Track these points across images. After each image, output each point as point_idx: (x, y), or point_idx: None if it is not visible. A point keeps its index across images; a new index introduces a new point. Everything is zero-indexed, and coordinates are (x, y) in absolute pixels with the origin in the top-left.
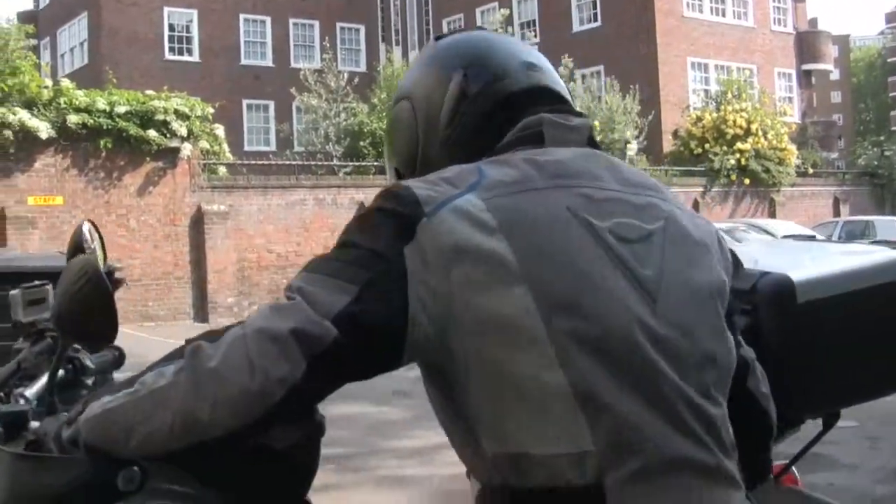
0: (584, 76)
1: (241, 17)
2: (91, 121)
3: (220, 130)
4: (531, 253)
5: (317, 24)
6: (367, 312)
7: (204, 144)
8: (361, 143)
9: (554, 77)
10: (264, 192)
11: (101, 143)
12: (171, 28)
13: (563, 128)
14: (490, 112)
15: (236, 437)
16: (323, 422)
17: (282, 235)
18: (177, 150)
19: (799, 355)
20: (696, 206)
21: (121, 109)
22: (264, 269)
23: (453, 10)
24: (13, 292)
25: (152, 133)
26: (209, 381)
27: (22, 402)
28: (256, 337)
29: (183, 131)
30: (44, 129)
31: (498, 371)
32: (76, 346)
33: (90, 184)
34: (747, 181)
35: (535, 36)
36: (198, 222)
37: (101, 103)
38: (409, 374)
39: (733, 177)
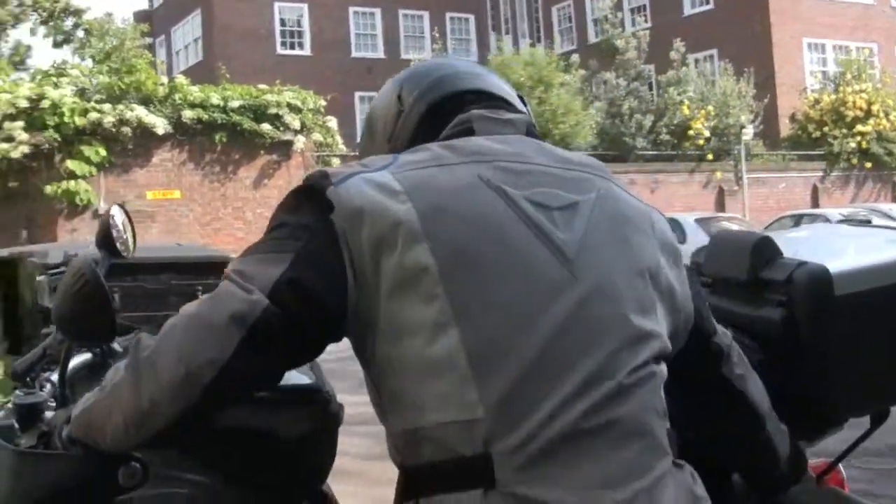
0: (696, 60)
1: (351, 9)
2: (206, 116)
3: (332, 123)
4: (434, 212)
5: (426, 14)
6: (304, 278)
7: (317, 137)
8: None
9: (492, 81)
10: None
11: (216, 137)
12: (283, 23)
13: (495, 122)
14: (422, 120)
15: (183, 423)
16: (340, 412)
17: None
18: (290, 143)
19: (837, 350)
20: (815, 191)
21: (234, 104)
22: None
23: None
24: (39, 278)
25: (266, 126)
26: (144, 372)
27: (48, 386)
28: (187, 324)
29: (296, 124)
30: (160, 125)
31: (398, 335)
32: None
33: (206, 177)
34: (868, 165)
35: (646, 20)
36: None
37: (216, 98)
38: None
39: (854, 160)
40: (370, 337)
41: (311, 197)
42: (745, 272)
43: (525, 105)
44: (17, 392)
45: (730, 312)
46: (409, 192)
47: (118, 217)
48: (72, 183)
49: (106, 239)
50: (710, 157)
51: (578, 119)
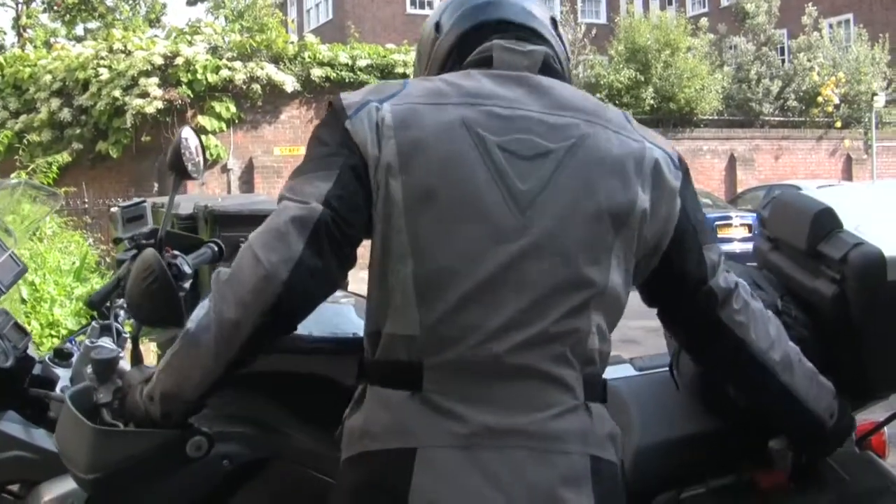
0: (830, 25)
1: None
2: (334, 74)
3: None
4: (411, 151)
5: None
6: (348, 189)
7: None
8: (599, 96)
9: (520, 8)
10: None
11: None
12: None
13: (514, 52)
14: (451, 49)
15: (267, 328)
16: None
17: None
18: None
19: (884, 332)
20: None
21: (362, 63)
22: None
23: None
24: (114, 209)
25: None
26: (228, 287)
27: (122, 314)
28: (258, 238)
29: None
30: (289, 83)
31: (381, 254)
32: (174, 252)
33: None
34: None
35: None
36: None
37: (344, 57)
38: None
39: None
40: (371, 249)
41: (338, 122)
42: (803, 242)
43: (556, 29)
44: (94, 324)
45: (787, 276)
46: (397, 127)
47: (191, 140)
48: (202, 138)
49: (177, 160)
50: (838, 124)
51: (704, 83)
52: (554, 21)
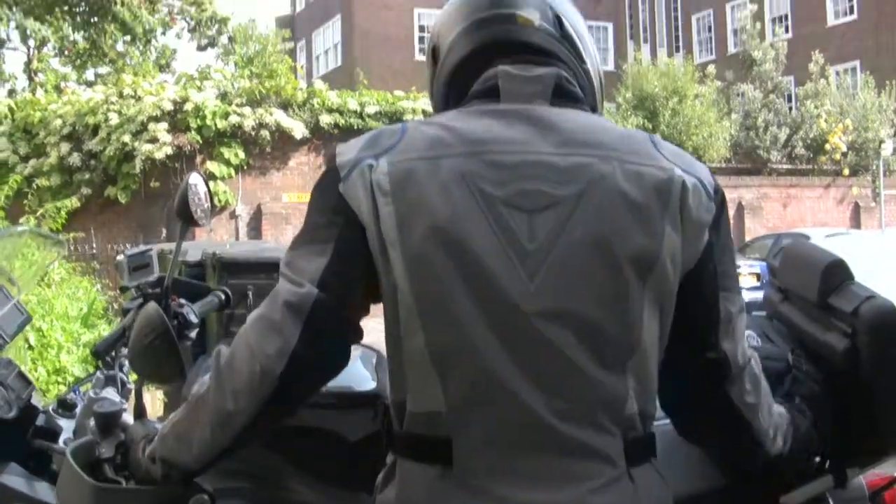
0: (837, 72)
1: None
2: (342, 121)
3: None
4: (409, 217)
5: None
6: (344, 266)
7: None
8: None
9: (519, 29)
10: None
11: None
12: (422, 29)
13: (521, 80)
14: (449, 81)
15: (264, 417)
16: None
17: None
18: None
19: (895, 389)
20: None
21: (371, 110)
22: None
23: (702, 6)
24: (119, 258)
25: None
26: (225, 376)
27: (127, 364)
28: (254, 325)
29: None
30: (298, 129)
31: (389, 327)
32: (181, 300)
33: None
34: None
35: (787, 31)
36: None
37: (353, 104)
38: None
39: None
40: (384, 317)
41: (332, 183)
42: (814, 293)
43: (562, 29)
44: (99, 375)
45: (798, 328)
46: (394, 191)
47: (199, 186)
48: (210, 184)
49: (184, 207)
50: (846, 172)
51: (712, 131)
52: (559, 20)
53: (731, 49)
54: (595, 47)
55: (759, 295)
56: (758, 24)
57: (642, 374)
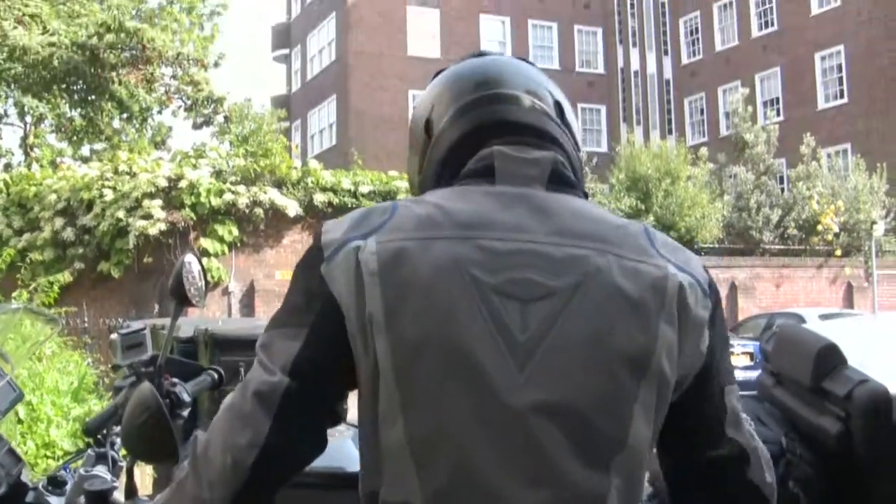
0: (828, 155)
1: None
2: (336, 200)
3: None
4: (399, 300)
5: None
6: (318, 352)
7: None
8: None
9: (515, 110)
10: None
11: None
12: None
13: (518, 161)
14: (444, 160)
15: None
16: None
17: None
18: None
19: (889, 472)
20: None
21: (364, 189)
22: None
23: (694, 90)
24: (113, 336)
25: None
26: (201, 465)
27: (118, 442)
28: (225, 414)
29: None
30: (292, 208)
31: (366, 415)
32: (173, 379)
33: None
34: None
35: (778, 114)
36: None
37: (347, 183)
38: None
39: None
40: (359, 405)
41: (314, 264)
42: (807, 377)
43: (563, 116)
44: (90, 452)
45: (791, 412)
46: (382, 272)
47: (193, 265)
48: (204, 260)
49: (179, 286)
50: (838, 252)
51: (705, 212)
52: (559, 107)
53: (724, 131)
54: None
55: (752, 374)
56: (749, 108)
57: (628, 473)
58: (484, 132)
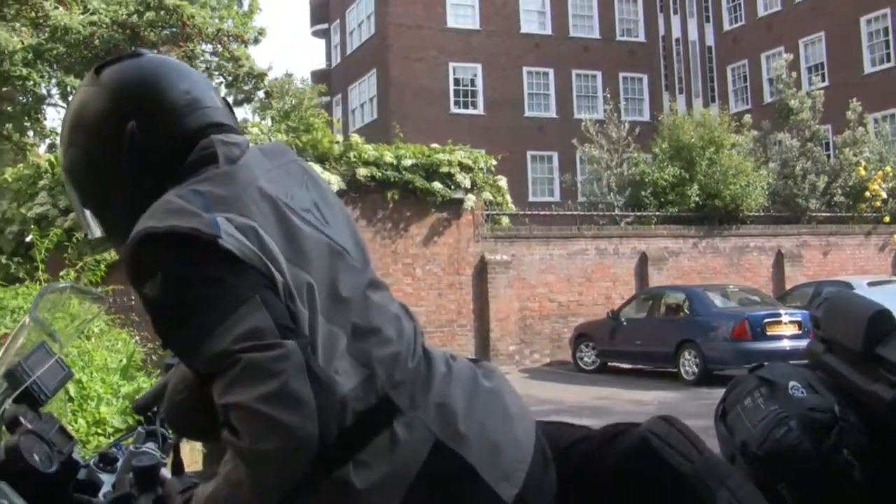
0: (875, 120)
1: (525, 69)
2: (379, 174)
3: (502, 181)
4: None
5: (599, 74)
6: (276, 305)
7: (487, 195)
8: (643, 193)
9: (217, 111)
10: (546, 241)
11: (388, 195)
12: (457, 82)
13: (230, 145)
14: (162, 158)
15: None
16: None
17: (563, 285)
18: (461, 202)
19: None
20: None
21: (407, 162)
22: (546, 317)
23: (737, 57)
24: None
25: (437, 185)
26: (257, 457)
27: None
28: (263, 400)
29: (466, 183)
30: (335, 182)
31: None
32: None
33: (378, 234)
34: None
35: (823, 79)
36: (481, 271)
37: (389, 157)
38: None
39: None
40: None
41: (203, 250)
42: (859, 344)
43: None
44: (140, 429)
45: (843, 379)
46: (241, 228)
47: None
48: None
49: None
50: (886, 219)
51: (749, 180)
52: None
53: (767, 98)
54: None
55: (800, 344)
56: (793, 74)
57: None
58: (199, 132)
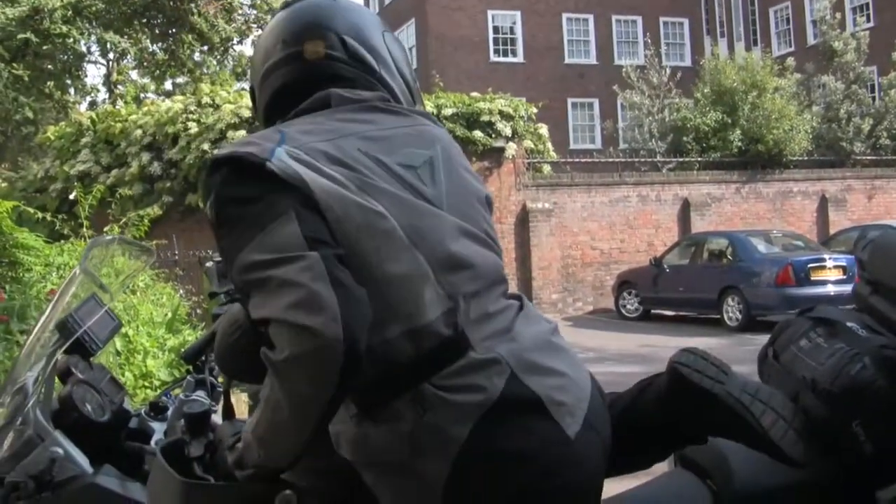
0: None
1: (564, 16)
2: None
3: (543, 129)
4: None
5: (639, 19)
6: (311, 219)
7: (528, 143)
8: (685, 139)
9: (310, 65)
10: (588, 189)
11: None
12: (496, 30)
13: (352, 100)
14: (269, 104)
15: (345, 382)
16: None
17: (605, 232)
18: (501, 150)
19: None
20: None
21: (447, 112)
22: (588, 265)
23: None
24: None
25: (478, 134)
26: (291, 365)
27: (216, 367)
28: (286, 309)
29: (507, 131)
30: None
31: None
32: None
33: None
34: None
35: (868, 20)
36: (523, 220)
37: (429, 106)
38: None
39: None
40: None
41: (253, 168)
42: None
43: (346, 49)
44: (189, 378)
45: (889, 321)
46: (300, 160)
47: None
48: None
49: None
50: None
51: (793, 124)
52: (343, 43)
53: (811, 40)
54: (399, 47)
55: (845, 288)
56: (837, 15)
57: None
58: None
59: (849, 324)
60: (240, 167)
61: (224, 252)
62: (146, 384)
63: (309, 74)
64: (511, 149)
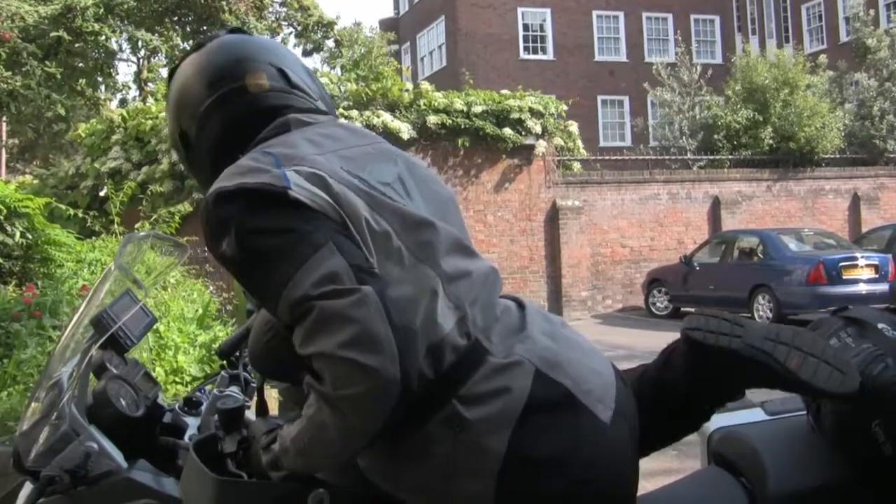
0: None
1: (594, 13)
2: (449, 121)
3: (573, 127)
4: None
5: (670, 16)
6: (352, 250)
7: (558, 141)
8: (716, 137)
9: (256, 96)
10: (618, 186)
11: (459, 141)
12: (526, 28)
13: (310, 123)
14: (216, 144)
15: (394, 415)
16: None
17: (635, 230)
18: (531, 147)
19: None
20: None
21: (477, 109)
22: (618, 263)
23: None
24: None
25: (508, 131)
26: (341, 400)
27: (249, 367)
28: (347, 345)
29: (537, 129)
30: (405, 130)
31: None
32: None
33: (449, 181)
34: None
35: None
36: (552, 217)
37: (459, 104)
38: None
39: None
40: None
41: (273, 202)
42: None
43: (288, 80)
44: (223, 374)
45: None
46: (309, 178)
47: None
48: None
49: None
50: None
51: (825, 121)
52: (283, 73)
53: (843, 37)
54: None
55: (878, 287)
56: (871, 11)
57: None
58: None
59: (879, 324)
60: (257, 198)
61: (257, 287)
62: (177, 380)
63: (257, 107)
64: (541, 146)
